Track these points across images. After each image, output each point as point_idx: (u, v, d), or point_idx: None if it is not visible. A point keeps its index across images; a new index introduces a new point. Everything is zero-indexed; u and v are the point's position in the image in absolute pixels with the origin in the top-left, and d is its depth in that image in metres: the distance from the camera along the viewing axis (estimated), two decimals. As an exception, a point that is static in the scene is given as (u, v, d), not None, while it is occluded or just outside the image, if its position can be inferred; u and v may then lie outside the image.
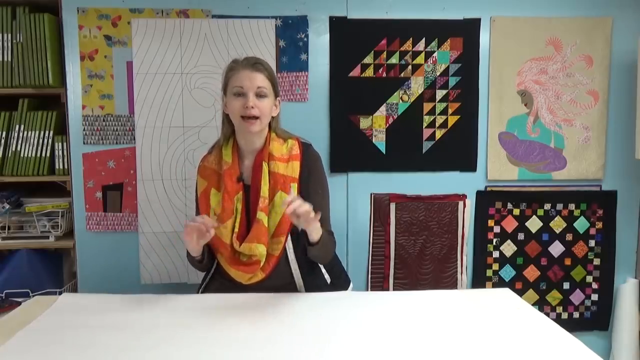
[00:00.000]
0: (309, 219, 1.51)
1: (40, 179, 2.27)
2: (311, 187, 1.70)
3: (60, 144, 2.26)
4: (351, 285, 1.88)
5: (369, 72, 2.30)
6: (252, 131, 1.65)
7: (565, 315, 2.46)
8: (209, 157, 1.78)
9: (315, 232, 1.60)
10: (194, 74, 2.24)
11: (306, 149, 1.75)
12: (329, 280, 1.78)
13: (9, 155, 2.24)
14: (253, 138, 1.69)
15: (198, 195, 1.76)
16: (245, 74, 1.65)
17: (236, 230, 1.65)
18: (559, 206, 2.41)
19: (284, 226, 1.65)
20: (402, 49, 2.30)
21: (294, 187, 1.67)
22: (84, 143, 2.25)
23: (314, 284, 1.73)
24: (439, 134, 2.34)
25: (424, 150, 2.35)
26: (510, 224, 2.42)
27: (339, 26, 2.28)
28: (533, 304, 2.19)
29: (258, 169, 1.68)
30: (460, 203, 2.38)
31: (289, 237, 1.68)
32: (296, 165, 1.70)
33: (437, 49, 2.31)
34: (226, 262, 1.67)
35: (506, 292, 1.70)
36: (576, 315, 2.47)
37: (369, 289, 2.37)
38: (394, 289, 2.37)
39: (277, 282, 1.69)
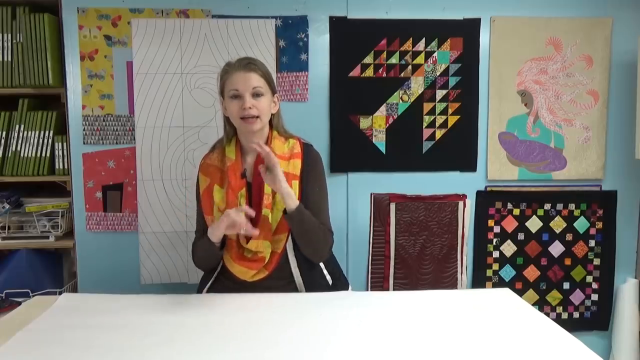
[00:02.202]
0: (273, 170, 1.56)
1: (40, 179, 2.27)
2: (310, 184, 1.71)
3: (60, 144, 2.26)
4: (350, 288, 1.87)
5: (369, 72, 2.30)
6: (253, 130, 1.67)
7: (565, 315, 2.46)
8: (211, 155, 1.79)
9: (288, 198, 1.60)
10: (194, 74, 2.24)
11: (307, 148, 1.77)
12: (330, 282, 1.77)
13: (9, 155, 2.24)
14: (255, 137, 1.70)
15: (200, 192, 1.76)
16: (239, 75, 1.65)
17: None
18: (559, 206, 2.41)
19: (285, 224, 1.66)
20: (402, 49, 2.30)
21: (295, 184, 1.68)
22: (84, 143, 2.25)
23: (314, 283, 1.73)
24: (439, 134, 2.34)
25: (424, 150, 2.35)
26: (510, 224, 2.41)
27: (339, 26, 2.28)
28: (533, 304, 2.19)
29: None
30: (460, 203, 2.38)
31: (290, 236, 1.68)
32: (297, 163, 1.71)
33: (437, 49, 2.31)
34: (230, 259, 1.67)
35: (506, 292, 1.70)
36: (576, 315, 2.47)
37: (369, 289, 2.37)
38: (394, 289, 2.37)
39: (278, 280, 1.69)
